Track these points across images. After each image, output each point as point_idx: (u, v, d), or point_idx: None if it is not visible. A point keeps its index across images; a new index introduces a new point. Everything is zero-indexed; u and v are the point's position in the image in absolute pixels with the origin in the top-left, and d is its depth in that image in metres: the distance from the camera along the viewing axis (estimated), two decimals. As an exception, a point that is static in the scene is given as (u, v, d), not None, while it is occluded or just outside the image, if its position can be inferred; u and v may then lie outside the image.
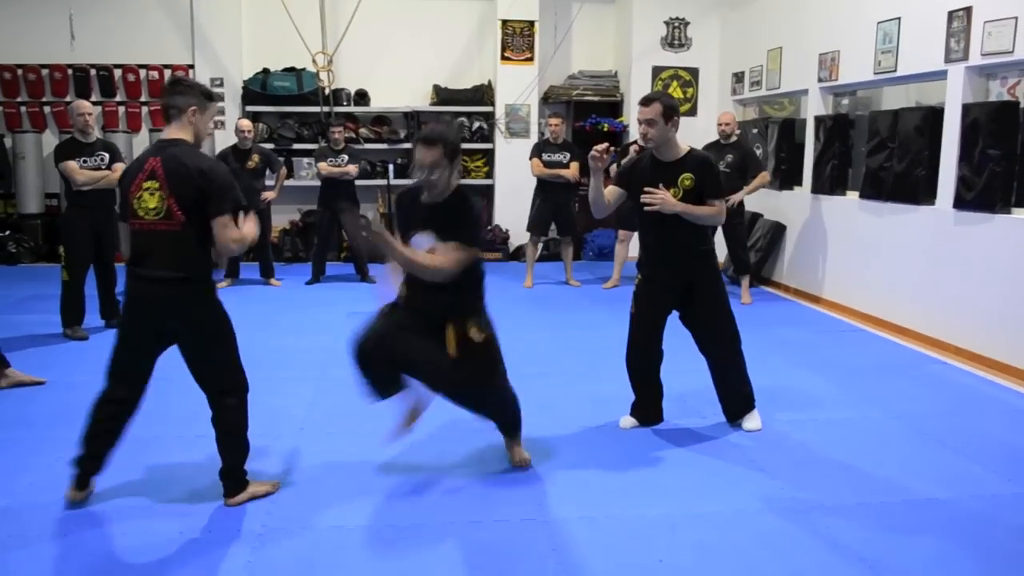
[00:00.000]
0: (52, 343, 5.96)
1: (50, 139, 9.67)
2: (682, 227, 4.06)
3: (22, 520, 3.20)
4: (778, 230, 8.42)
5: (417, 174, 3.41)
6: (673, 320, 4.28)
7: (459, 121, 10.09)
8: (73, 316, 6.11)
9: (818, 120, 7.70)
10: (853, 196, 7.26)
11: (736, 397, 4.35)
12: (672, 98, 4.13)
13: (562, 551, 3.06)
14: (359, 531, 3.20)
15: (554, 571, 2.92)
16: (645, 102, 4.01)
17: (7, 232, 9.63)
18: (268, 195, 8.27)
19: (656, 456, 4.00)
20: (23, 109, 9.84)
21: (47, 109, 9.87)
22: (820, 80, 7.69)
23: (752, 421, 4.34)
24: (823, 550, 3.09)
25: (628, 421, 4.37)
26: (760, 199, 8.58)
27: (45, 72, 9.77)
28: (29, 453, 3.89)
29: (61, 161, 6.00)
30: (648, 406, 4.38)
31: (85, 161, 6.02)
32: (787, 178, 8.33)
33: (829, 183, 7.55)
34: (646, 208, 3.99)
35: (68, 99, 9.60)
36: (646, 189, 3.98)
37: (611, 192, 4.17)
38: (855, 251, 7.16)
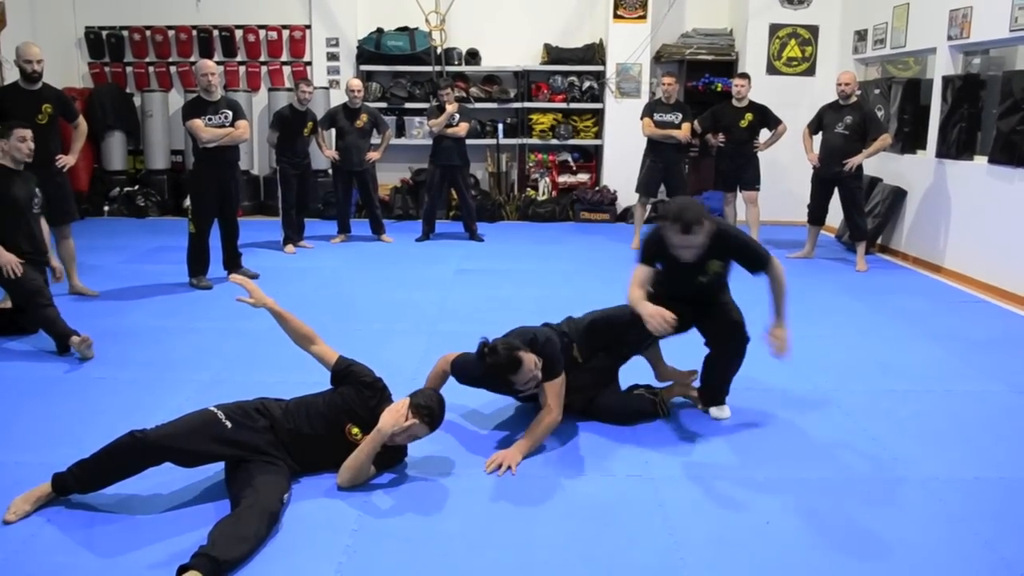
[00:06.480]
0: (179, 292, 6.28)
1: (176, 98, 10.11)
2: None
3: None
4: (898, 195, 8.10)
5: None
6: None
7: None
8: (199, 267, 6.42)
9: (946, 80, 7.34)
10: (981, 161, 6.92)
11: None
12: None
13: (668, 507, 3.08)
14: (467, 478, 3.30)
15: (660, 526, 2.95)
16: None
17: (136, 186, 10.13)
18: (373, 155, 8.43)
19: (764, 421, 3.96)
20: (151, 69, 10.30)
21: (173, 69, 10.30)
22: (950, 38, 7.32)
23: (724, 411, 4.06)
24: (937, 522, 3.02)
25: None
26: (880, 163, 8.28)
27: (171, 33, 10.18)
28: (159, 392, 4.14)
29: (188, 119, 6.26)
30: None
31: (210, 119, 6.26)
32: (909, 141, 8.00)
33: (956, 147, 7.21)
34: None
35: (193, 59, 10.00)
36: None
37: None
38: (981, 218, 6.84)
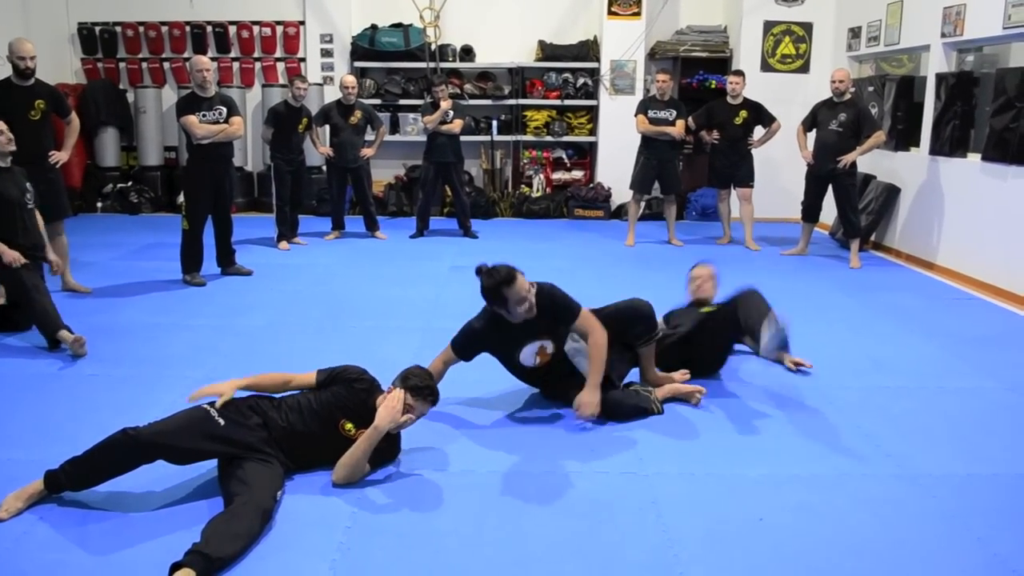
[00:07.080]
0: (172, 288, 6.26)
1: (169, 94, 10.08)
2: None
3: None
4: (892, 193, 8.12)
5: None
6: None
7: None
8: (192, 263, 6.40)
9: (939, 77, 7.35)
10: (974, 158, 6.94)
11: None
12: None
13: (662, 504, 3.08)
14: (461, 475, 3.30)
15: (653, 523, 2.95)
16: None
17: (129, 183, 10.10)
18: (367, 152, 8.42)
19: (758, 418, 3.96)
20: (144, 65, 10.26)
21: (166, 65, 10.26)
22: (943, 35, 7.33)
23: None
24: (929, 519, 3.03)
25: None
26: (874, 160, 8.29)
27: (165, 29, 10.14)
28: (153, 389, 4.14)
29: (182, 116, 6.24)
30: None
31: (204, 115, 6.24)
32: (903, 138, 8.01)
33: (949, 144, 7.23)
34: None
35: (186, 55, 9.96)
36: None
37: None
38: (974, 216, 6.85)
